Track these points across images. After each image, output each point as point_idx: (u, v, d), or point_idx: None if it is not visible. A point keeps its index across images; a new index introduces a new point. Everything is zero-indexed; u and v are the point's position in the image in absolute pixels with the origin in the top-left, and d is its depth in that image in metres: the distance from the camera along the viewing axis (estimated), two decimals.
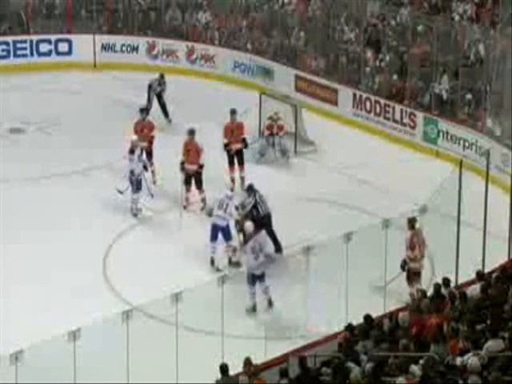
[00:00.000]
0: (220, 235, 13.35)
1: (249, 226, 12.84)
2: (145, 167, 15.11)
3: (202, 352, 11.03)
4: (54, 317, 11.97)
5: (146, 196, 15.07)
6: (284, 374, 9.52)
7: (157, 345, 11.11)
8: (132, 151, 14.97)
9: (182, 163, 15.02)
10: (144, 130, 16.06)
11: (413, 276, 12.27)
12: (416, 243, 12.26)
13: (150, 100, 18.50)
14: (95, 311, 11.57)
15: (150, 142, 16.07)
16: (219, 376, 9.79)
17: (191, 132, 15.29)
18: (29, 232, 14.26)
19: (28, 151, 17.36)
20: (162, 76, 18.78)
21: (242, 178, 15.66)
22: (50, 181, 16.02)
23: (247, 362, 9.83)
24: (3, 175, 16.10)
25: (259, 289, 12.42)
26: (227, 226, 13.35)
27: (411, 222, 12.29)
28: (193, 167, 15.01)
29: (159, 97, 18.76)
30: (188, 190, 15.08)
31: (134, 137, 15.43)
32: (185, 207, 15.00)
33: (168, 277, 12.81)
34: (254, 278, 12.40)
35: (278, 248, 13.56)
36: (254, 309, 12.50)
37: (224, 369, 9.75)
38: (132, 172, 14.81)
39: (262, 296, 12.47)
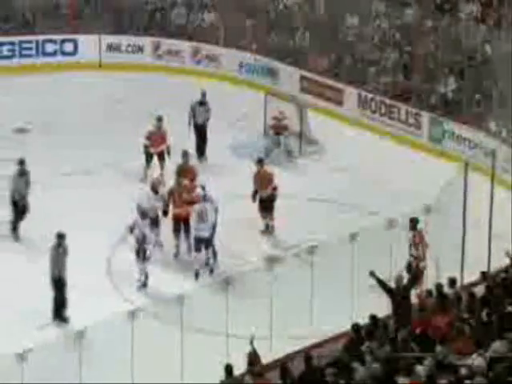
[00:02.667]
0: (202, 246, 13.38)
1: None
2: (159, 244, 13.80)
3: (206, 352, 11.02)
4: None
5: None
6: (284, 372, 9.51)
7: (161, 345, 11.11)
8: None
9: (146, 147, 15.88)
10: (157, 141, 16.04)
11: (420, 275, 12.26)
12: (419, 243, 12.25)
13: (190, 124, 16.89)
14: (100, 311, 11.57)
15: (161, 154, 16.08)
16: (224, 376, 9.78)
17: (159, 119, 15.98)
18: (33, 232, 14.25)
19: (32, 151, 17.33)
20: (203, 95, 17.11)
21: (272, 227, 14.65)
22: (54, 181, 16.00)
23: (252, 356, 9.80)
24: (8, 175, 16.10)
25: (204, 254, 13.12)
26: (210, 235, 13.35)
27: (413, 222, 12.29)
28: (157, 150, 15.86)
29: (201, 128, 16.98)
30: (148, 167, 15.93)
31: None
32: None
33: (173, 277, 12.80)
34: (200, 243, 13.05)
35: None
36: (196, 276, 13.19)
37: (229, 369, 9.75)
38: (142, 239, 13.19)
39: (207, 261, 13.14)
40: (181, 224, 13.75)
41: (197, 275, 13.35)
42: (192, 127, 16.91)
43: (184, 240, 13.84)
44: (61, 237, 12.57)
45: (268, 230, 14.57)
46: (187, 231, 13.71)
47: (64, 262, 12.34)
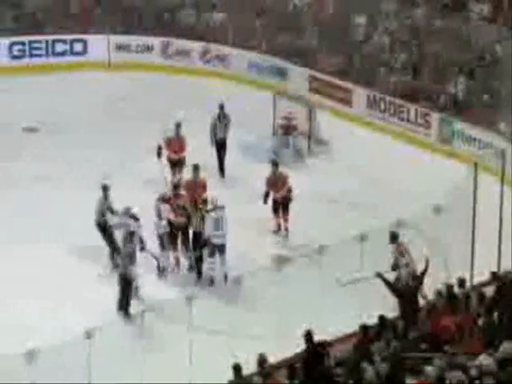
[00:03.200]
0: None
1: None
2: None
3: (214, 352, 11.01)
4: (68, 315, 11.96)
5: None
6: (292, 372, 9.50)
7: (170, 345, 11.11)
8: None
9: (159, 148, 15.30)
10: (176, 148, 15.63)
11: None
12: (404, 251, 12.14)
13: (213, 141, 16.16)
14: (110, 309, 11.58)
15: (180, 161, 15.64)
16: (232, 376, 9.76)
17: (178, 125, 15.58)
18: (48, 230, 14.23)
19: (41, 151, 17.39)
20: (221, 107, 16.42)
21: (286, 229, 14.52)
22: (63, 180, 16.01)
23: (261, 359, 9.79)
24: (18, 174, 16.16)
25: (218, 261, 13.00)
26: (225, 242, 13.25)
27: (393, 237, 12.10)
28: (175, 157, 15.47)
29: (222, 142, 16.26)
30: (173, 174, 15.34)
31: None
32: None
33: (182, 277, 12.79)
34: (214, 249, 12.93)
35: None
36: (212, 281, 13.06)
37: (237, 368, 9.73)
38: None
39: (220, 268, 13.01)
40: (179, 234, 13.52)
41: (212, 282, 13.25)
42: (214, 143, 16.21)
43: (184, 253, 13.57)
44: (105, 188, 13.39)
45: (280, 229, 14.47)
46: (186, 242, 13.50)
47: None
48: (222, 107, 16.29)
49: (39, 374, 9.41)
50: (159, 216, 13.40)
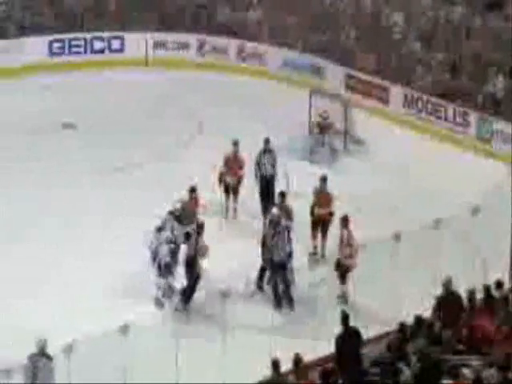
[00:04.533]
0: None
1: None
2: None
3: (249, 350, 10.97)
4: (102, 310, 11.98)
5: None
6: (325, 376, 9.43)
7: (203, 341, 11.09)
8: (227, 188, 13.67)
9: (221, 175, 14.42)
10: (234, 166, 14.56)
11: (346, 274, 12.28)
12: (351, 241, 12.27)
13: (257, 176, 14.67)
14: (141, 306, 11.60)
15: (238, 181, 14.62)
16: (267, 373, 9.73)
17: (235, 143, 14.64)
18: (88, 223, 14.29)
19: (78, 147, 17.49)
20: (267, 141, 14.91)
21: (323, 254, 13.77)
22: (101, 175, 16.03)
23: (297, 359, 9.74)
24: (58, 170, 16.28)
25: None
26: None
27: (345, 221, 12.44)
28: (233, 179, 14.49)
29: (268, 179, 14.65)
30: (228, 198, 14.58)
31: (223, 169, 14.41)
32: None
33: (215, 273, 12.75)
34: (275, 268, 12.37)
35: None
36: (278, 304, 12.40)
37: (276, 364, 9.70)
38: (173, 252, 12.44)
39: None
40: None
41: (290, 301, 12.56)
42: (258, 179, 14.67)
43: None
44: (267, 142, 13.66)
45: (316, 253, 13.66)
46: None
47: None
48: (267, 141, 14.89)
49: (76, 366, 9.45)
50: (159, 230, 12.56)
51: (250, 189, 14.70)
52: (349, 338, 10.07)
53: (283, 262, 12.37)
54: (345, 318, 10.20)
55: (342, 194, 15.33)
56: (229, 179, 14.51)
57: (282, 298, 12.42)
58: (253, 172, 14.64)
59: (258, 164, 14.64)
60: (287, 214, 13.13)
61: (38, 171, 16.18)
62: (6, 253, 13.35)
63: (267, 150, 14.74)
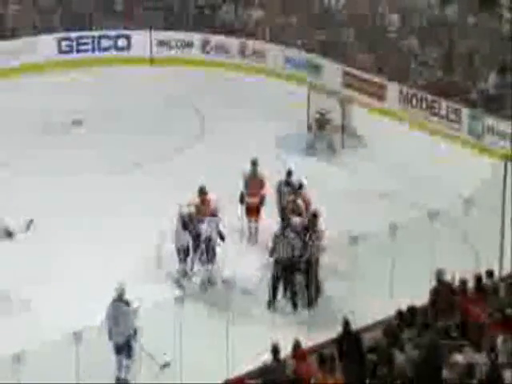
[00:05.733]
0: None
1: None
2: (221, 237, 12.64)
3: (250, 336, 11.07)
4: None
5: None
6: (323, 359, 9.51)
7: (207, 329, 11.19)
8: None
9: (242, 195, 13.62)
10: (254, 187, 13.70)
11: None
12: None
13: (279, 209, 13.71)
14: (149, 295, 11.67)
15: (260, 202, 13.73)
16: (267, 358, 9.82)
17: (254, 163, 13.83)
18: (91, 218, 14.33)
19: (87, 143, 17.52)
20: (289, 173, 13.88)
21: None
22: (108, 174, 16.06)
23: (296, 345, 9.84)
24: (65, 165, 16.33)
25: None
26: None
27: (314, 217, 12.37)
28: (254, 200, 13.63)
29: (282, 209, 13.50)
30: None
31: (243, 190, 13.64)
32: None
33: (221, 264, 12.82)
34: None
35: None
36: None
37: (275, 349, 9.79)
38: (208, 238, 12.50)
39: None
40: None
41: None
42: (279, 210, 13.74)
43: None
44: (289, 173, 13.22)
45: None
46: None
47: None
48: (289, 173, 13.83)
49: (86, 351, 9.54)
50: (184, 226, 12.60)
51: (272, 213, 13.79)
52: (348, 343, 9.91)
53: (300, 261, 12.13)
54: (346, 324, 10.03)
55: (340, 188, 15.45)
56: (249, 200, 13.72)
57: (301, 298, 12.20)
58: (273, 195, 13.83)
59: (280, 194, 13.74)
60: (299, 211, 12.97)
61: (47, 166, 16.20)
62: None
63: (289, 182, 13.78)
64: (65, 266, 13.02)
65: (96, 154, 16.78)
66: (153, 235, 13.01)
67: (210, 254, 12.57)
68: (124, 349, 10.66)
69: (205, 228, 12.58)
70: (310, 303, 12.18)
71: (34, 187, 15.26)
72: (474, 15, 18.45)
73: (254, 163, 13.86)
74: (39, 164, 16.27)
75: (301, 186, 13.45)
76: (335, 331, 10.34)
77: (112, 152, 16.90)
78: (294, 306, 12.19)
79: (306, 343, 10.20)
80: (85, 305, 11.60)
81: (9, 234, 12.10)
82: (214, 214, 12.65)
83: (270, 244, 12.36)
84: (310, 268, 12.17)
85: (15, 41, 20.65)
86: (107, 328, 10.61)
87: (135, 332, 10.61)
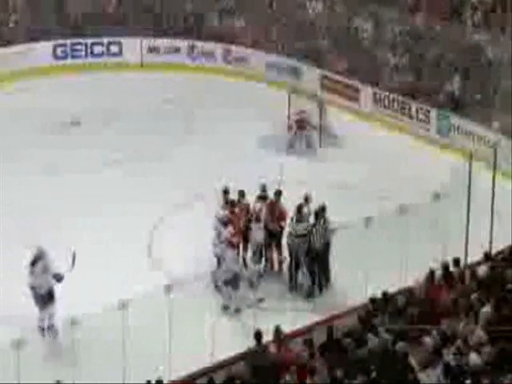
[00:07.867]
0: None
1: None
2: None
3: (235, 324, 11.05)
4: (102, 289, 11.99)
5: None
6: (308, 343, 9.52)
7: (192, 318, 11.15)
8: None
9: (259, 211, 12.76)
10: (275, 215, 12.83)
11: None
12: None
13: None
14: (139, 284, 11.63)
15: (279, 230, 12.83)
16: (252, 344, 9.81)
17: (278, 193, 12.94)
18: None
19: (82, 143, 17.43)
20: (306, 199, 12.86)
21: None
22: (100, 173, 15.94)
23: (277, 331, 9.84)
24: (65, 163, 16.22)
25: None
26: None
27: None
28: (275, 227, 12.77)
29: (318, 253, 12.37)
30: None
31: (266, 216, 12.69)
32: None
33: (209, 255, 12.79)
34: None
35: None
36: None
37: (258, 335, 9.78)
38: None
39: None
40: None
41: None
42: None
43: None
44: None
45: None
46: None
47: None
48: (306, 199, 12.84)
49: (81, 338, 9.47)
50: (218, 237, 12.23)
51: None
52: (331, 349, 9.69)
53: (321, 249, 12.12)
54: (330, 334, 9.77)
55: (318, 181, 15.47)
56: (272, 226, 12.80)
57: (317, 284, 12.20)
58: None
59: (310, 234, 12.43)
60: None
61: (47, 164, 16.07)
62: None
63: (323, 219, 12.59)
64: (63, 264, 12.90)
65: (91, 153, 16.69)
66: (147, 233, 12.97)
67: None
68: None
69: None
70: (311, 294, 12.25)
71: (34, 187, 15.16)
72: (440, 24, 18.55)
73: (278, 194, 12.94)
74: (38, 163, 16.15)
75: (279, 193, 12.98)
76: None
77: (105, 151, 16.78)
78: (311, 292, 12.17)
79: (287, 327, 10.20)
80: (83, 304, 11.48)
81: (59, 279, 11.29)
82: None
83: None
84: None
85: (15, 47, 20.47)
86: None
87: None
